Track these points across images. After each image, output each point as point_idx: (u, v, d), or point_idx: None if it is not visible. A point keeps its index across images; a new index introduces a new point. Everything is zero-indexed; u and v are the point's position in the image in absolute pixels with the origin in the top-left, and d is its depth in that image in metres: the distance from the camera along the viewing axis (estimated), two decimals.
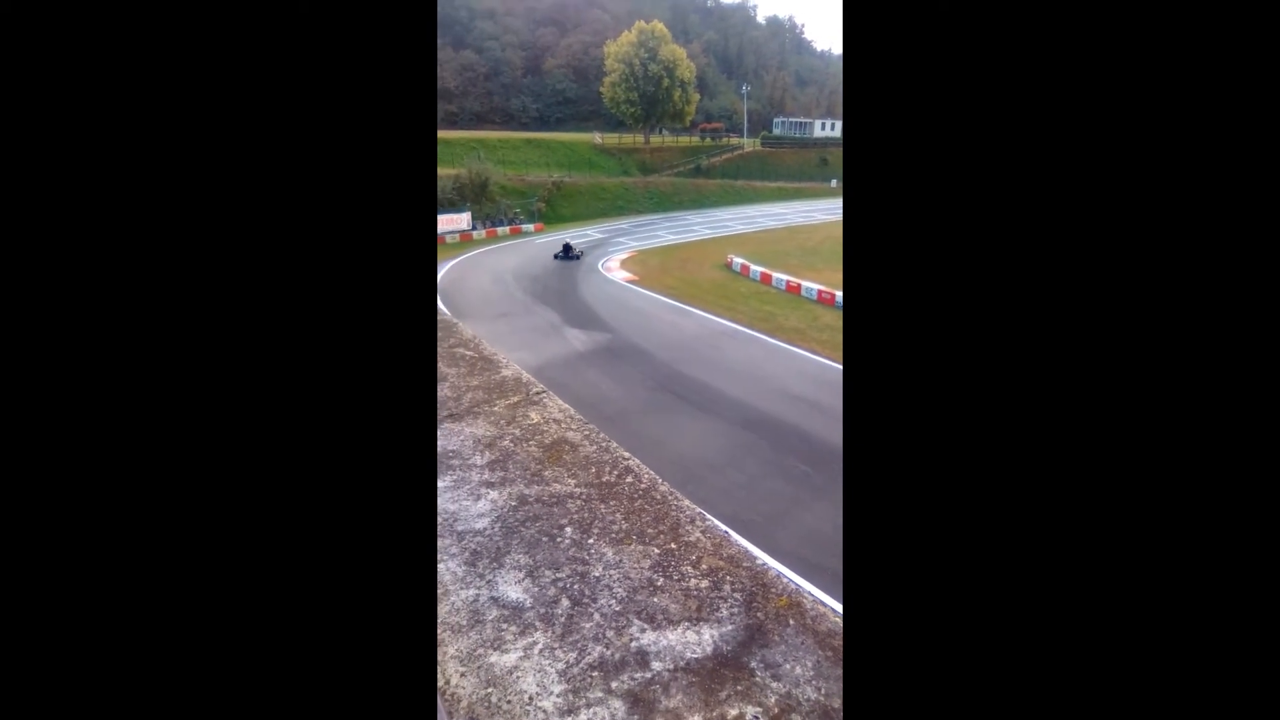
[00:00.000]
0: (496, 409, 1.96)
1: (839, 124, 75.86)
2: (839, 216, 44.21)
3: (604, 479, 1.60)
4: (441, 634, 1.15)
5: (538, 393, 2.05)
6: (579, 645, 1.12)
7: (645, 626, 1.16)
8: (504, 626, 1.16)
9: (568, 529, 1.41)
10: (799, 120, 76.08)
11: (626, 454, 1.72)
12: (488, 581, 1.26)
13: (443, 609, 1.20)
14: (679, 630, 1.16)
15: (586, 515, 1.46)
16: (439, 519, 1.44)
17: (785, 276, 23.35)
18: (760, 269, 24.72)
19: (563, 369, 14.98)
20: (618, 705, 1.02)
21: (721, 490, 9.52)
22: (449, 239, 33.85)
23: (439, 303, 20.44)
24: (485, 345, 2.50)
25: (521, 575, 1.28)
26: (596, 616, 1.18)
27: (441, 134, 50.21)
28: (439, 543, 1.37)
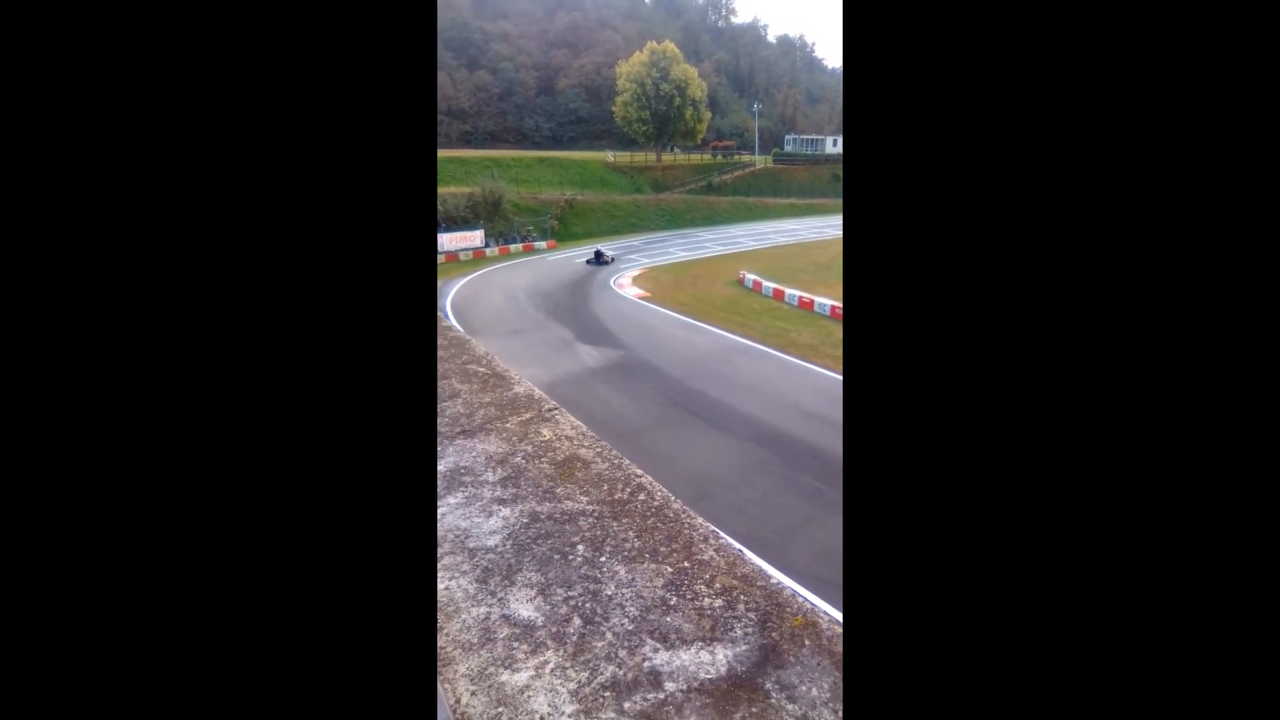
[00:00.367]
0: (509, 425, 1.96)
1: None
2: None
3: (616, 496, 1.59)
4: (452, 652, 1.14)
5: (550, 409, 2.05)
6: (591, 665, 1.10)
7: (658, 646, 1.15)
8: (515, 645, 1.15)
9: (580, 547, 1.40)
10: (810, 137, 76.35)
11: (639, 471, 1.71)
12: (499, 599, 1.25)
13: (454, 626, 1.19)
14: (692, 650, 1.15)
15: (599, 533, 1.45)
16: (451, 537, 1.44)
17: (798, 292, 23.31)
18: (773, 285, 24.70)
19: (575, 385, 15.00)
20: None
21: (734, 507, 9.44)
22: (462, 256, 34.20)
23: (452, 320, 20.59)
24: (498, 362, 2.51)
25: (533, 593, 1.27)
26: (609, 635, 1.17)
27: (455, 153, 50.92)
28: (450, 560, 1.36)
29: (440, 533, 1.45)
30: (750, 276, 26.40)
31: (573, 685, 1.07)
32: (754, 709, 1.05)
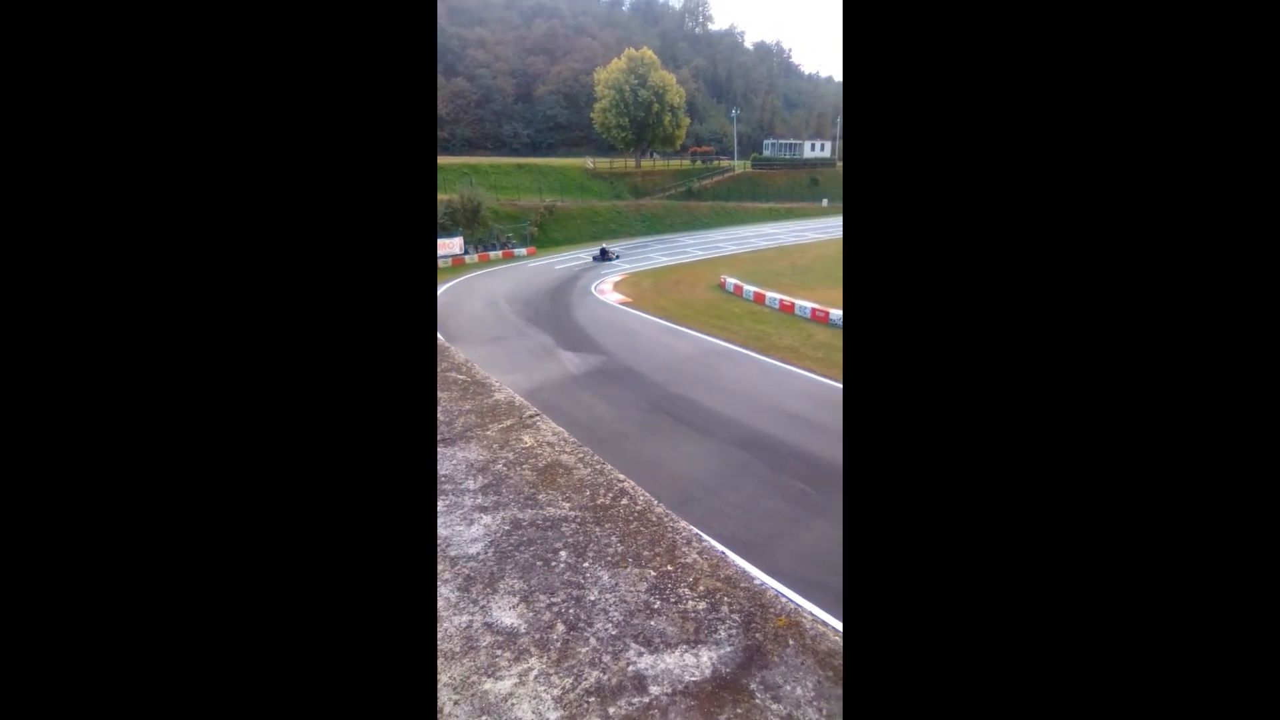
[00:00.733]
0: (489, 433, 1.95)
1: (828, 144, 76.99)
2: (831, 235, 44.60)
3: (599, 501, 1.59)
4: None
5: (531, 416, 2.05)
6: (575, 670, 1.10)
7: (642, 650, 1.15)
8: (498, 653, 1.14)
9: (562, 553, 1.40)
10: (788, 142, 77.10)
11: (621, 476, 1.71)
12: (481, 607, 1.24)
13: (436, 636, 1.18)
14: (677, 653, 1.14)
15: (581, 538, 1.45)
16: None
17: (779, 296, 23.48)
18: (753, 289, 24.86)
19: (556, 392, 14.95)
20: None
21: (719, 511, 9.46)
22: (442, 263, 33.99)
23: None
24: (478, 369, 2.49)
25: (516, 600, 1.26)
26: (593, 641, 1.16)
27: None
28: None
29: None
30: (731, 280, 26.55)
31: (556, 692, 1.06)
32: (739, 710, 1.06)
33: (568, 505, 1.57)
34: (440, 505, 1.57)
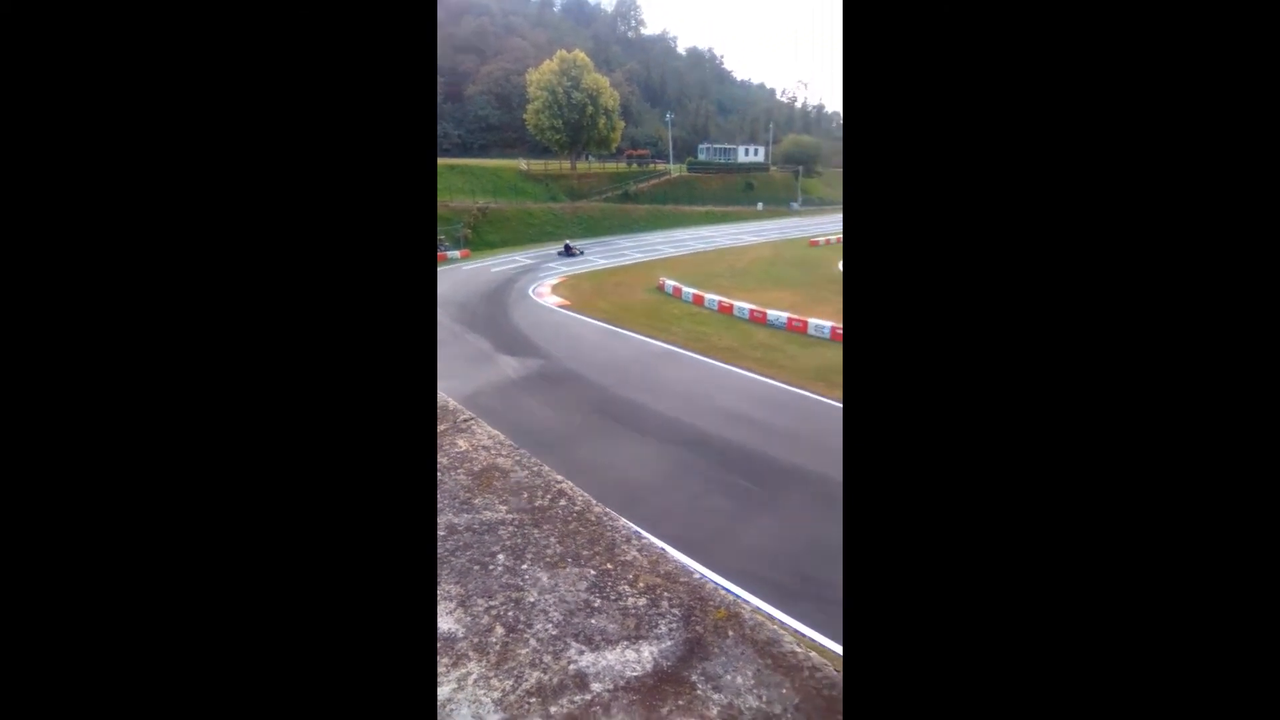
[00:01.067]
0: None
1: (761, 150, 78.83)
2: (766, 238, 45.61)
3: (536, 504, 1.57)
4: None
5: (465, 420, 2.01)
6: (515, 673, 1.09)
7: (583, 648, 1.14)
8: (436, 659, 1.11)
9: (500, 556, 1.38)
10: (723, 146, 78.52)
11: (559, 477, 1.70)
12: None
13: None
14: (618, 650, 1.15)
15: (519, 541, 1.43)
16: None
17: (717, 297, 23.84)
18: (692, 291, 25.17)
19: (496, 396, 14.72)
20: None
21: (664, 511, 9.52)
22: None
23: None
24: None
25: (453, 605, 1.23)
26: (533, 642, 1.15)
27: None
28: None
29: None
30: (670, 283, 26.80)
31: (497, 694, 1.04)
32: (680, 702, 1.07)
33: (505, 508, 1.55)
34: None
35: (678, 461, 11.28)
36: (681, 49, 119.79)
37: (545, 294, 27.36)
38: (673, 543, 8.59)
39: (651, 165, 67.24)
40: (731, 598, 1.30)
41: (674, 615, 1.24)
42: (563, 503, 1.57)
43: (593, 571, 1.33)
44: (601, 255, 37.53)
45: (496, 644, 1.14)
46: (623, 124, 60.07)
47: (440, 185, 47.18)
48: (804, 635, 7.03)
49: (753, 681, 1.12)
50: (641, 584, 1.31)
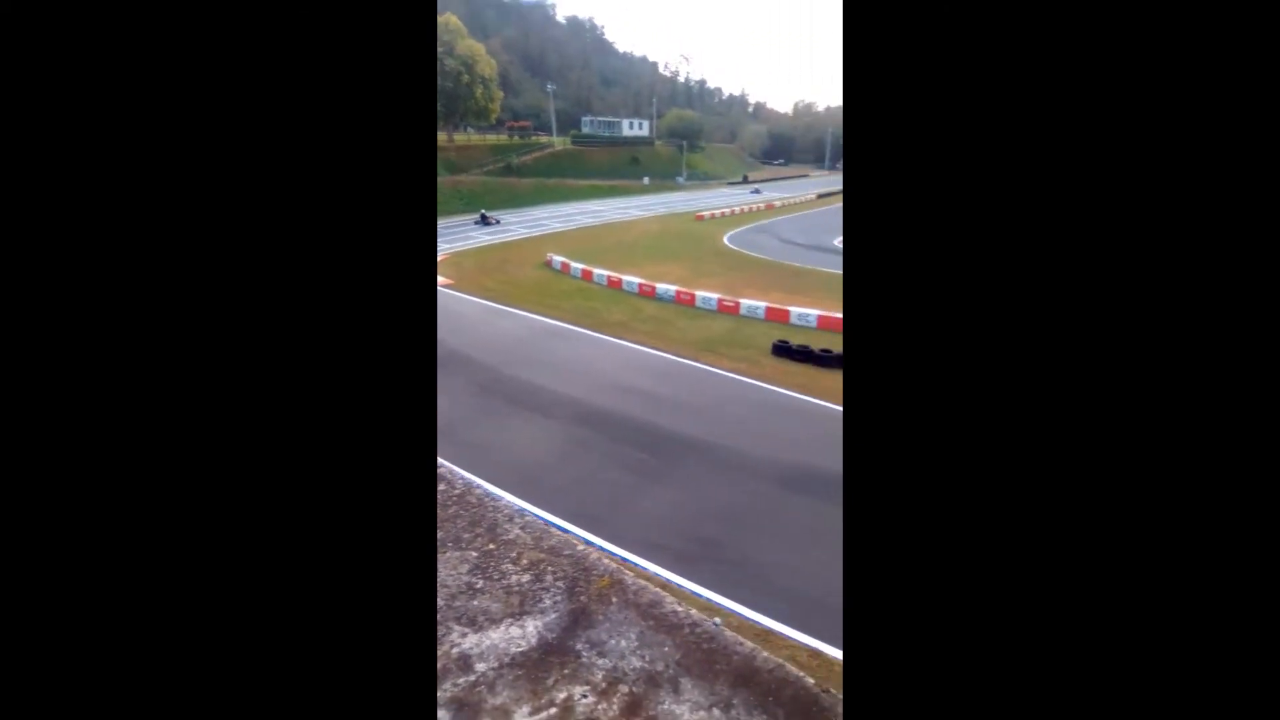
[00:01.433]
0: None
1: (646, 123, 78.98)
2: (654, 212, 45.96)
3: None
4: None
5: None
6: None
7: (466, 631, 1.14)
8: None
9: None
10: (607, 120, 77.94)
11: (441, 461, 1.66)
12: None
13: None
14: (502, 628, 1.15)
15: None
16: None
17: (606, 272, 23.86)
18: (580, 266, 25.02)
19: None
20: (442, 715, 0.98)
21: (560, 488, 9.54)
22: None
23: None
24: None
25: None
26: None
27: None
28: None
29: None
30: (558, 259, 26.49)
31: None
32: (566, 671, 1.09)
33: None
34: None
35: (572, 438, 11.30)
36: (560, 17, 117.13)
37: None
38: (570, 518, 8.64)
39: (534, 138, 65.67)
40: (614, 566, 1.34)
41: (558, 588, 1.26)
42: (441, 487, 1.54)
43: (475, 554, 1.32)
44: (485, 232, 36.41)
45: None
46: (501, 94, 57.99)
47: None
48: (700, 597, 7.34)
49: (636, 643, 1.16)
50: (525, 561, 1.32)
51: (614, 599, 1.26)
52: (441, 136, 55.84)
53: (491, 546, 1.37)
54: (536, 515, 1.48)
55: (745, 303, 19.90)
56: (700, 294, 20.88)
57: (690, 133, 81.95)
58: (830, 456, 10.64)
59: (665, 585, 7.32)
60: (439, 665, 1.07)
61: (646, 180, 65.22)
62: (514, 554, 1.35)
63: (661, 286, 21.79)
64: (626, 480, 9.94)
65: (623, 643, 1.17)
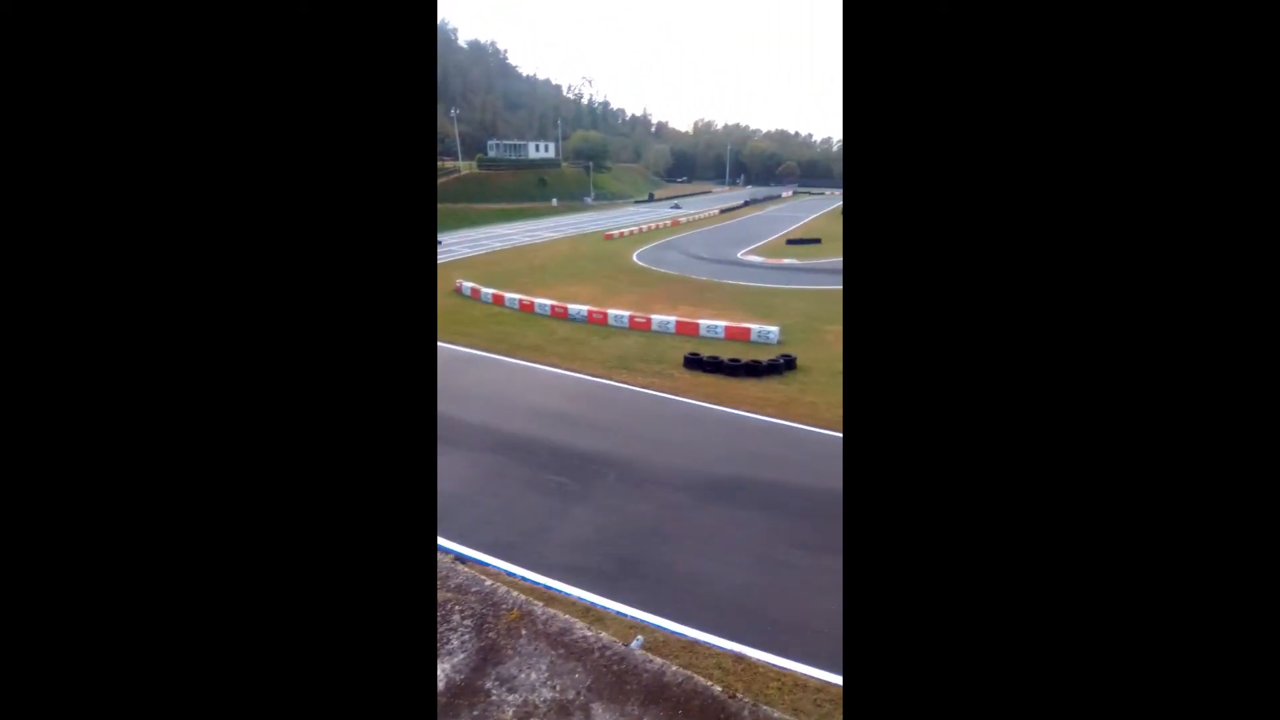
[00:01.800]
0: None
1: (552, 145, 79.12)
2: (564, 233, 45.93)
3: None
4: None
5: None
6: None
7: None
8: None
9: None
10: (513, 143, 77.56)
11: None
12: None
13: None
14: None
15: None
16: None
17: (518, 295, 23.62)
18: (491, 291, 24.65)
19: None
20: None
21: (479, 520, 9.29)
22: None
23: None
24: None
25: None
26: None
27: None
28: None
29: None
30: (468, 284, 25.98)
31: None
32: (475, 712, 1.10)
33: None
34: None
35: (489, 468, 11.06)
36: (462, 41, 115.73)
37: None
38: (489, 549, 8.42)
39: (440, 162, 64.35)
40: (523, 599, 1.36)
41: (466, 627, 1.26)
42: None
43: None
44: None
45: None
46: None
47: None
48: (626, 616, 7.32)
49: (546, 674, 1.18)
50: None
51: (523, 631, 1.28)
52: None
53: None
54: (445, 550, 1.48)
55: (656, 318, 20.23)
56: (612, 312, 21.04)
57: (596, 153, 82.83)
58: (743, 464, 10.93)
59: (589, 609, 7.26)
60: None
61: (555, 202, 65.25)
62: None
63: (574, 307, 21.79)
64: (545, 505, 9.82)
65: (533, 675, 1.19)
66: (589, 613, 7.23)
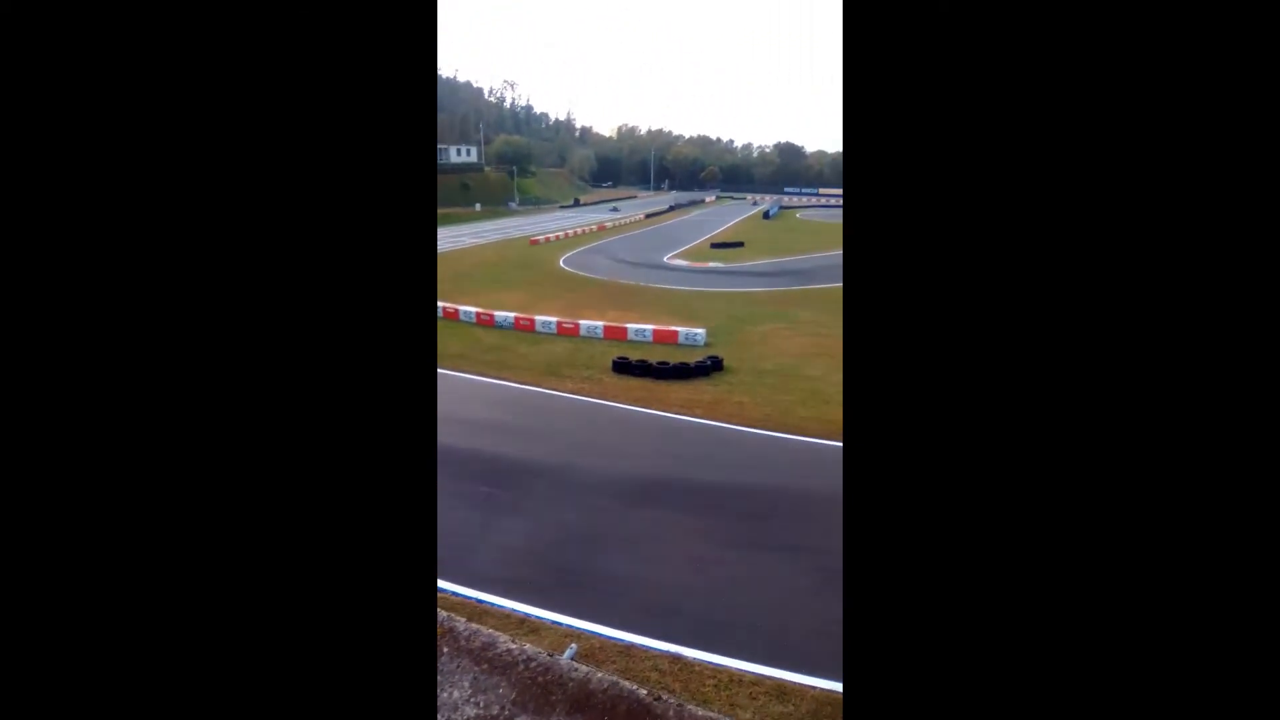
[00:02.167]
0: None
1: (474, 149, 77.66)
2: (487, 240, 45.13)
3: None
4: None
5: None
6: None
7: None
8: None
9: None
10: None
11: None
12: None
13: None
14: None
15: None
16: None
17: (442, 304, 23.02)
18: None
19: None
20: None
21: None
22: None
23: None
24: None
25: None
26: None
27: None
28: None
29: None
30: None
31: None
32: None
33: None
34: None
35: None
36: None
37: None
38: None
39: None
40: (444, 615, 1.33)
41: None
42: None
43: None
44: None
45: None
46: None
47: None
48: (561, 625, 7.26)
49: (470, 691, 1.16)
50: None
51: (445, 649, 1.26)
52: None
53: None
54: None
55: (584, 323, 20.19)
56: (540, 318, 20.86)
57: (520, 158, 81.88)
58: (671, 466, 11.06)
59: (523, 620, 7.16)
60: None
61: (478, 207, 64.08)
62: None
63: (500, 314, 21.47)
64: (475, 518, 9.61)
65: (455, 693, 1.17)
66: (524, 624, 7.12)
